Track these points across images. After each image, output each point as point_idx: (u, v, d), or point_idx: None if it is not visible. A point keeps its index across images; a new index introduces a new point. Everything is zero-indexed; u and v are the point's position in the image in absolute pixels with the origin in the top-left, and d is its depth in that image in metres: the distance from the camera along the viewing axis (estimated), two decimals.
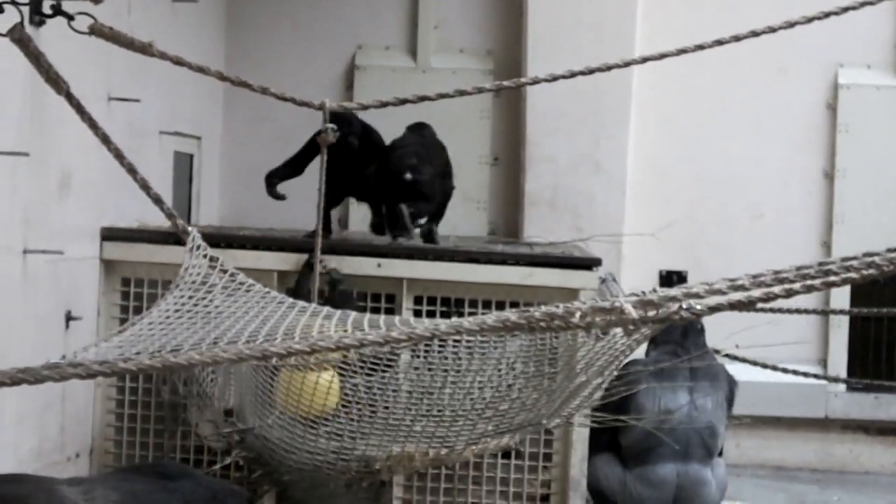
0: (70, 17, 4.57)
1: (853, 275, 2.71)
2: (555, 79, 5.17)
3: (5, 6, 4.26)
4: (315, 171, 5.58)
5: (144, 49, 4.58)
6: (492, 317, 2.82)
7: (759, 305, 2.85)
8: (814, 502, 7.33)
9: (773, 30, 5.09)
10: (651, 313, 2.78)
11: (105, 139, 4.66)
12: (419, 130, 6.45)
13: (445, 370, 4.66)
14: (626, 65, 5.25)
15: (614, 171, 7.90)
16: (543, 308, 2.79)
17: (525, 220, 7.91)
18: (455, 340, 4.57)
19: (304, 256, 5.63)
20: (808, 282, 2.74)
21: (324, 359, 4.59)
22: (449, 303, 5.80)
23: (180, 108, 7.00)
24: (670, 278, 7.97)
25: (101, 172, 5.48)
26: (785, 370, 6.98)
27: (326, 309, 4.53)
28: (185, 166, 7.25)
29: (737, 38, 5.10)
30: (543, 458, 5.80)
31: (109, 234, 5.82)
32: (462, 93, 5.27)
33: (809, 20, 5.05)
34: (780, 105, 8.11)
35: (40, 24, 4.77)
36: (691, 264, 8.02)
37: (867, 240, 6.35)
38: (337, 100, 6.65)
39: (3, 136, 4.74)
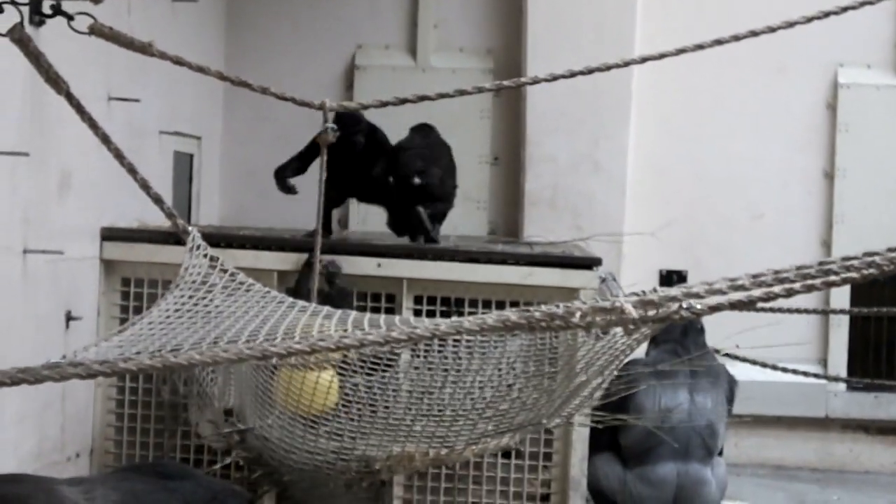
0: (70, 17, 4.56)
1: (853, 274, 2.72)
2: (555, 78, 5.17)
3: (5, 6, 4.26)
4: (316, 170, 5.59)
5: (144, 49, 4.58)
6: (492, 316, 2.82)
7: (759, 305, 2.85)
8: (814, 502, 7.33)
9: (772, 29, 5.09)
10: (651, 313, 2.78)
11: (105, 139, 4.65)
12: (423, 131, 6.47)
13: (445, 370, 4.66)
14: (626, 64, 5.25)
15: (614, 170, 7.91)
16: (544, 308, 2.79)
17: (525, 219, 7.91)
18: (455, 340, 4.56)
19: (304, 256, 5.63)
20: (809, 281, 2.74)
21: (324, 358, 4.59)
22: (449, 302, 5.80)
23: (180, 107, 7.00)
24: (670, 278, 7.98)
25: (101, 172, 5.48)
26: (785, 369, 6.98)
27: (326, 308, 4.53)
28: (185, 166, 7.26)
29: (736, 38, 5.10)
30: (543, 458, 5.81)
31: (109, 234, 5.82)
32: (462, 92, 5.27)
33: (809, 20, 5.05)
34: (779, 105, 8.11)
35: (40, 23, 4.77)
36: (691, 264, 8.02)
37: (867, 239, 6.37)
38: (337, 99, 6.65)
39: (3, 136, 4.74)
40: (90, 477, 5.14)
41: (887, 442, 8.12)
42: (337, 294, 5.53)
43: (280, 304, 4.51)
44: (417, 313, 5.73)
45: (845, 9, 5.06)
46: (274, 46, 8.14)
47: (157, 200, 4.89)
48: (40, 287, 5.15)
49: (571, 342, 4.38)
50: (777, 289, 2.75)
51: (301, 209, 6.42)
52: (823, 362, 8.01)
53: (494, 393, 4.63)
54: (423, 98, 5.10)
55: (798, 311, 6.87)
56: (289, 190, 6.09)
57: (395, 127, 6.34)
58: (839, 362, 8.01)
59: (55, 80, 4.34)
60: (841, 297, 7.78)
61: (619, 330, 3.81)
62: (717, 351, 6.41)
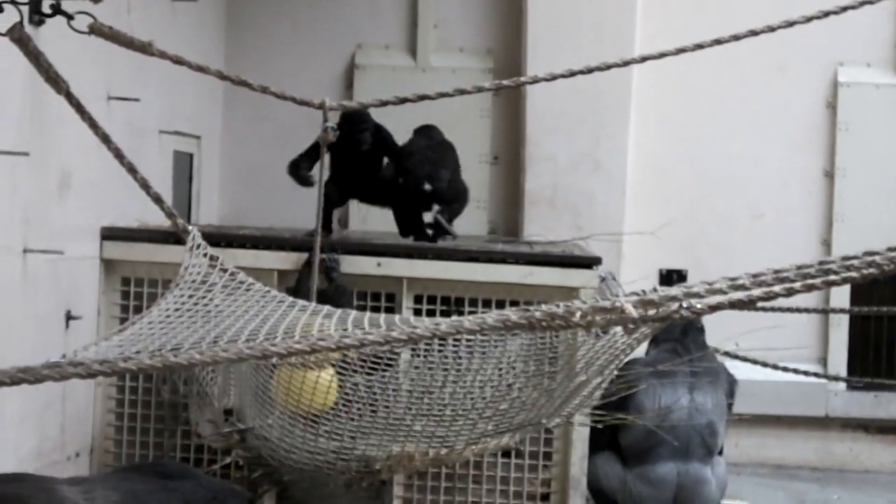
0: (69, 17, 4.57)
1: (853, 274, 2.72)
2: (554, 78, 5.17)
3: (5, 5, 4.26)
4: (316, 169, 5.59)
5: (144, 48, 4.58)
6: (492, 316, 2.82)
7: (760, 304, 2.85)
8: (814, 501, 7.33)
9: (772, 29, 5.09)
10: (651, 312, 2.78)
11: (105, 138, 4.66)
12: (426, 133, 6.48)
13: (445, 369, 4.66)
14: (626, 64, 5.25)
15: (614, 169, 7.90)
16: (544, 307, 2.79)
17: (525, 218, 7.91)
18: (455, 340, 4.56)
19: (304, 255, 5.63)
20: (809, 281, 2.75)
21: (324, 357, 4.59)
22: (449, 302, 5.80)
23: (180, 107, 7.00)
24: (670, 277, 7.98)
25: (101, 172, 5.47)
26: (785, 369, 6.98)
27: (327, 308, 4.53)
28: (184, 165, 7.25)
29: (736, 38, 5.10)
30: (543, 457, 5.80)
31: (109, 234, 5.82)
32: (462, 92, 5.26)
33: (809, 19, 5.05)
34: (779, 104, 8.11)
35: (40, 23, 4.77)
36: (691, 263, 8.02)
37: (867, 239, 6.36)
38: (337, 99, 6.64)
39: (3, 136, 4.74)
40: (90, 476, 5.14)
41: (887, 441, 8.12)
42: (334, 291, 5.52)
43: (280, 304, 4.50)
44: (417, 313, 5.73)
45: (845, 8, 5.06)
46: (274, 46, 8.14)
47: (157, 200, 4.89)
48: (40, 287, 5.15)
49: (571, 341, 4.38)
50: (777, 288, 2.75)
51: (301, 209, 6.42)
52: (823, 361, 8.00)
53: (494, 392, 4.63)
54: (423, 97, 5.10)
55: (798, 310, 6.88)
56: (306, 180, 6.00)
57: (394, 126, 6.33)
58: (839, 361, 8.00)
59: (55, 80, 4.34)
60: (841, 296, 7.78)
61: (619, 329, 3.82)
62: (718, 350, 6.41)
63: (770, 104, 8.10)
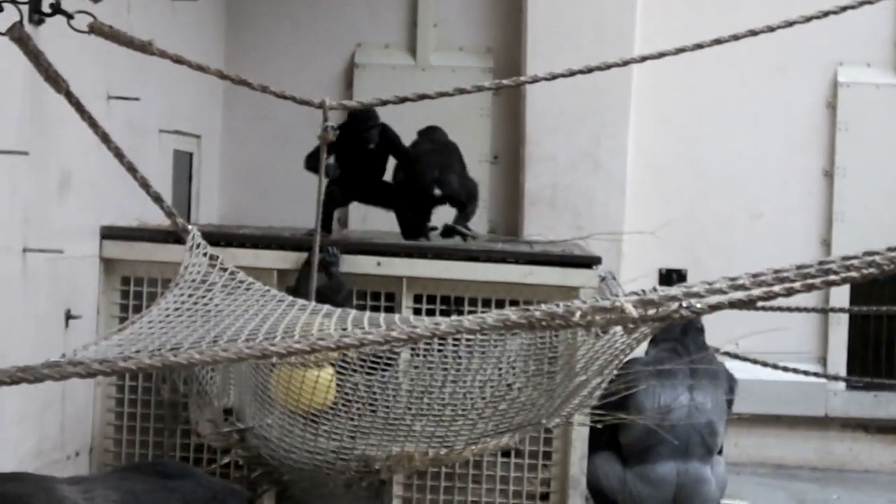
0: (69, 16, 4.57)
1: (853, 273, 2.72)
2: (554, 77, 5.17)
3: (5, 5, 4.26)
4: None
5: (144, 47, 4.58)
6: (492, 315, 2.82)
7: (759, 304, 2.85)
8: (814, 500, 7.33)
9: (772, 29, 5.09)
10: (651, 312, 2.78)
11: (105, 138, 4.65)
12: (430, 135, 6.50)
13: (445, 369, 4.66)
14: (626, 64, 5.25)
15: (614, 169, 7.91)
16: (544, 307, 2.79)
17: (525, 218, 7.91)
18: (455, 339, 4.56)
19: (304, 255, 5.63)
20: (809, 280, 2.75)
21: (323, 357, 4.58)
22: (449, 301, 5.80)
23: (180, 106, 7.00)
24: (670, 277, 7.97)
25: (101, 171, 5.47)
26: (785, 368, 6.98)
27: (326, 307, 4.53)
28: (184, 165, 7.25)
29: (736, 38, 5.10)
30: (543, 457, 5.81)
31: (109, 233, 5.82)
32: (462, 91, 5.26)
33: (808, 19, 5.05)
34: (779, 104, 8.11)
35: (40, 22, 4.77)
36: (691, 263, 8.02)
37: (867, 238, 6.37)
38: (337, 98, 6.64)
39: (3, 136, 4.74)
40: (90, 476, 5.14)
41: (887, 441, 8.12)
42: (332, 287, 5.52)
43: (280, 303, 4.50)
44: (417, 312, 5.74)
45: (845, 8, 5.06)
46: (274, 45, 8.14)
47: (157, 199, 4.89)
48: (40, 286, 5.15)
49: (571, 341, 4.38)
50: (777, 288, 2.75)
51: (300, 208, 6.42)
52: (823, 361, 8.01)
53: (494, 392, 4.63)
54: (422, 97, 5.10)
55: (798, 309, 6.88)
56: (328, 170, 5.86)
57: (394, 126, 6.34)
58: (839, 361, 8.01)
59: (55, 79, 4.34)
60: (840, 295, 7.78)
61: (618, 329, 3.82)
62: (717, 350, 6.41)
63: (770, 104, 8.10)
